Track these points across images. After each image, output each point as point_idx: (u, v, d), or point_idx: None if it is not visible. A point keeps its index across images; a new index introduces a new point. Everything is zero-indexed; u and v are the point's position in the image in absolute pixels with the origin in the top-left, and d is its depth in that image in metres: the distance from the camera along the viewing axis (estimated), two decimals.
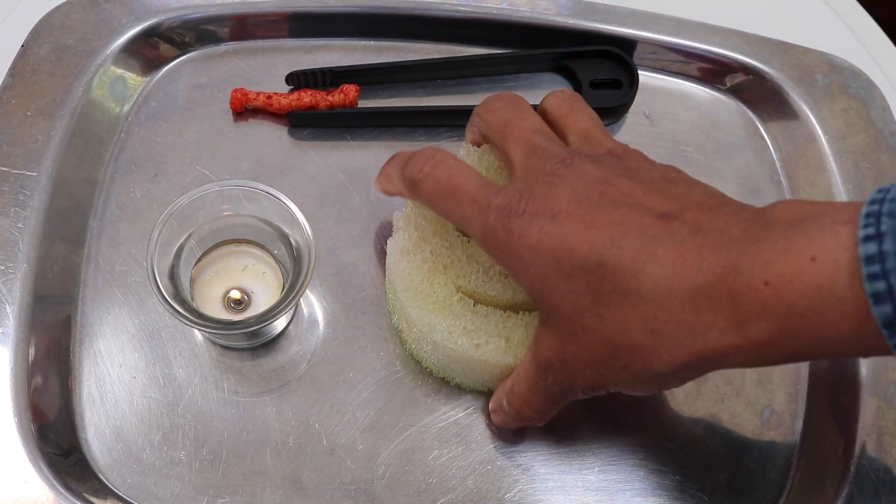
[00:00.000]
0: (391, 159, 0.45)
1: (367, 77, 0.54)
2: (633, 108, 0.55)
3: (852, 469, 0.44)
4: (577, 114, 0.42)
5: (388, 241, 0.45)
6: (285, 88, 0.54)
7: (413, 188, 0.41)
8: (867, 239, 0.29)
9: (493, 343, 0.42)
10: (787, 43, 0.56)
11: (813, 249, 0.31)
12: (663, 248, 0.34)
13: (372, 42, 0.56)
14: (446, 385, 0.47)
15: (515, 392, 0.42)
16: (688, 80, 0.57)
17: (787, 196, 0.54)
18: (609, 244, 0.35)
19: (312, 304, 0.48)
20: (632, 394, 0.38)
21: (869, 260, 0.29)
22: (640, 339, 0.34)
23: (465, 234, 0.45)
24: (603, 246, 0.35)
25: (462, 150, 0.46)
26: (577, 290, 0.35)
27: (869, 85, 0.55)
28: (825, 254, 0.30)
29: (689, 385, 0.48)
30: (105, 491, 0.43)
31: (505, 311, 0.43)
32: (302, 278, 0.43)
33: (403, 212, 0.45)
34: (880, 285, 0.29)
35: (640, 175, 0.37)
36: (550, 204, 0.36)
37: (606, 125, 0.54)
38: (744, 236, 0.33)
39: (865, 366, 0.46)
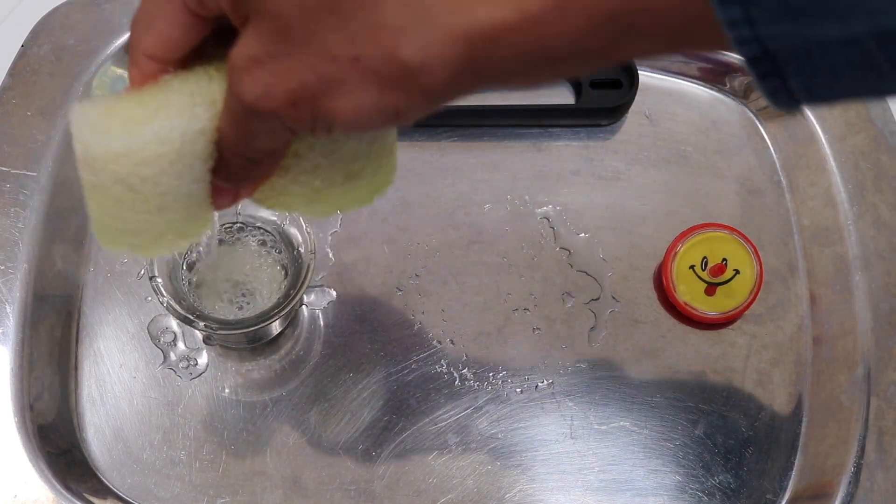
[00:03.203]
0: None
1: None
2: (633, 108, 0.55)
3: (852, 469, 0.44)
4: None
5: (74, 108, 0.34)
6: None
7: (132, 30, 0.31)
8: None
9: (199, 108, 0.32)
10: None
11: None
12: None
13: None
14: (447, 385, 0.47)
15: (220, 127, 0.31)
16: (688, 80, 0.57)
17: (787, 195, 0.54)
18: None
19: (312, 304, 0.48)
20: (356, 123, 0.28)
21: None
22: (386, 14, 0.25)
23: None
24: None
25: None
26: None
27: None
28: None
29: (689, 385, 0.48)
30: (105, 491, 0.43)
31: (192, 88, 0.32)
32: (302, 279, 0.43)
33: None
34: None
35: None
36: None
37: (606, 125, 0.54)
38: None
39: (865, 366, 0.47)
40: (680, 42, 0.26)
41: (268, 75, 0.27)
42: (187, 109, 0.32)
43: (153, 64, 0.32)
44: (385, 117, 0.27)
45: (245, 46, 0.27)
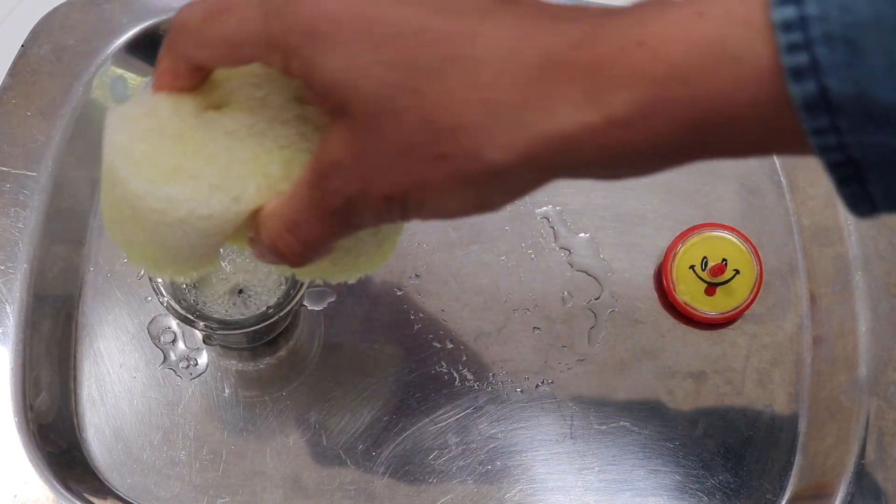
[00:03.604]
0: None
1: None
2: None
3: (852, 469, 0.44)
4: None
5: (108, 113, 0.34)
6: None
7: (180, 33, 0.31)
8: (783, 1, 0.23)
9: (251, 186, 0.32)
10: None
11: (701, 7, 0.24)
12: (506, 16, 0.27)
13: None
14: (447, 385, 0.47)
15: (278, 213, 0.31)
16: None
17: (787, 195, 0.54)
18: (434, 12, 0.27)
19: (312, 303, 0.48)
20: (440, 214, 0.29)
21: (787, 27, 0.23)
22: (470, 117, 0.26)
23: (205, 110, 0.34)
24: (426, 15, 0.27)
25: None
26: (386, 61, 0.27)
27: None
28: (717, 7, 0.24)
29: (689, 385, 0.48)
30: (105, 491, 0.43)
31: (253, 153, 0.33)
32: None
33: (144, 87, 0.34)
34: (802, 58, 0.22)
35: None
36: None
37: None
38: (608, 11, 0.26)
39: (865, 366, 0.46)
40: (762, 148, 0.26)
41: (358, 178, 0.28)
42: (240, 184, 0.32)
43: (196, 74, 0.32)
44: (468, 210, 0.28)
45: (333, 147, 0.28)
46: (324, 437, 0.45)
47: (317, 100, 0.29)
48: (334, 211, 0.29)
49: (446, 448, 0.45)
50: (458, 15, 0.27)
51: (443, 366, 0.47)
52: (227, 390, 0.46)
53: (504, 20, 0.26)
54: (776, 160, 0.55)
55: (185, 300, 0.44)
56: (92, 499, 0.42)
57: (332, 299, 0.49)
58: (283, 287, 0.45)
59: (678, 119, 0.25)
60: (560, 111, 0.25)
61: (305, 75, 0.28)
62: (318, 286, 0.49)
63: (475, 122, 0.26)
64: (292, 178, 0.32)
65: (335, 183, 0.29)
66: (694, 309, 0.49)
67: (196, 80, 0.32)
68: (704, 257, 0.49)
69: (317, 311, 0.48)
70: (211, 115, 0.33)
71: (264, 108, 0.34)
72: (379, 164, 0.27)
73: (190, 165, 0.32)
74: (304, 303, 0.48)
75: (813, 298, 0.51)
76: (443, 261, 0.50)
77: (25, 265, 0.46)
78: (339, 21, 0.27)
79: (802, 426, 0.47)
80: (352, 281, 0.36)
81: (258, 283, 0.47)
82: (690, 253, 0.49)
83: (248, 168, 0.32)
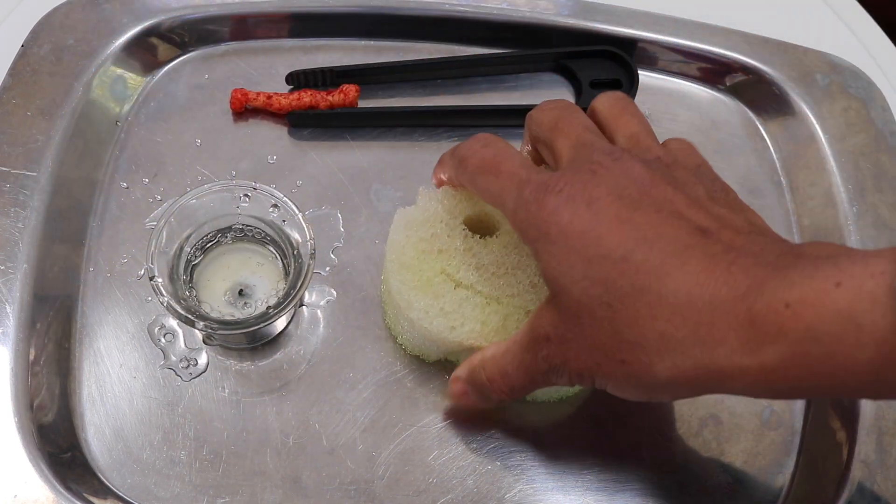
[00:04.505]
0: (448, 151, 0.45)
1: (367, 77, 0.54)
2: None
3: (852, 469, 0.44)
4: (628, 116, 0.42)
5: (398, 211, 0.45)
6: (285, 88, 0.54)
7: (460, 165, 0.41)
8: None
9: (468, 326, 0.42)
10: (787, 43, 0.56)
11: (839, 276, 0.30)
12: (693, 258, 0.33)
13: (372, 42, 0.56)
14: (447, 385, 0.47)
15: (495, 360, 0.41)
16: (688, 80, 0.57)
17: (787, 196, 0.54)
18: (639, 243, 0.34)
19: (312, 304, 0.48)
20: (616, 393, 0.37)
21: None
22: (647, 339, 0.33)
23: (472, 231, 0.45)
24: (633, 243, 0.34)
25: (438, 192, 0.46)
26: (592, 277, 0.34)
27: (869, 85, 0.55)
28: (851, 280, 0.30)
29: None
30: (105, 491, 0.43)
31: (486, 299, 0.43)
32: (301, 278, 0.43)
33: (428, 189, 0.46)
34: None
35: (685, 187, 0.37)
36: (590, 191, 0.35)
37: None
38: (775, 262, 0.32)
39: None
40: (875, 393, 0.32)
41: (560, 354, 0.37)
42: (461, 321, 0.43)
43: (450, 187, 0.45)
44: (639, 398, 0.36)
45: (545, 324, 0.37)
46: (324, 437, 0.45)
47: (545, 276, 0.37)
48: (539, 371, 0.38)
49: (446, 448, 0.45)
50: (658, 250, 0.34)
51: (443, 365, 0.47)
52: (227, 390, 0.46)
53: (692, 263, 0.33)
54: (776, 160, 0.55)
55: (185, 300, 0.44)
56: (92, 499, 0.42)
57: (333, 298, 0.49)
58: (283, 287, 0.45)
59: (811, 369, 0.31)
60: (719, 351, 0.32)
61: (536, 259, 0.37)
62: (318, 285, 0.49)
63: (652, 345, 0.33)
64: (503, 330, 0.42)
65: (542, 352, 0.37)
66: None
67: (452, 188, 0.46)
68: None
69: (317, 310, 0.48)
70: (473, 244, 0.44)
71: (521, 244, 0.44)
72: (577, 349, 0.36)
73: (435, 284, 0.43)
74: (304, 302, 0.48)
75: None
76: None
77: (25, 265, 0.46)
78: (566, 234, 0.35)
79: (802, 426, 0.47)
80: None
81: (258, 283, 0.47)
82: None
83: (475, 312, 0.43)
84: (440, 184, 0.46)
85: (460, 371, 0.43)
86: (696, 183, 0.38)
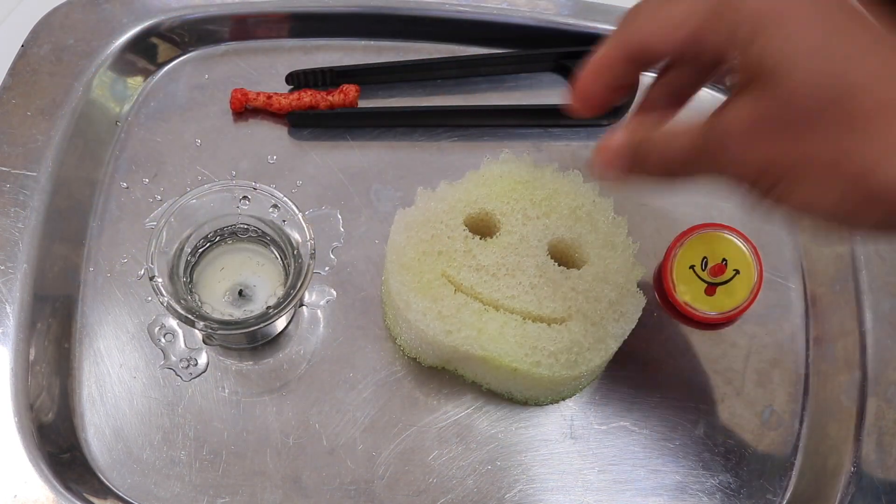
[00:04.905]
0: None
1: (367, 77, 0.54)
2: (633, 107, 0.54)
3: (852, 469, 0.44)
4: None
5: (398, 212, 0.46)
6: (285, 88, 0.54)
7: (632, 13, 0.36)
8: None
9: (464, 332, 0.42)
10: None
11: None
12: None
13: (372, 42, 0.56)
14: (447, 385, 0.47)
15: (667, 129, 0.35)
16: None
17: None
18: (871, 46, 0.30)
19: (312, 303, 0.48)
20: (804, 202, 0.31)
21: None
22: (880, 142, 0.29)
23: (472, 231, 0.45)
24: (863, 32, 0.30)
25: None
26: (828, 54, 0.30)
27: None
28: None
29: (690, 385, 0.48)
30: (105, 491, 0.43)
31: (484, 305, 0.43)
32: (301, 278, 0.43)
33: (427, 190, 0.46)
34: None
35: None
36: None
37: (606, 125, 0.54)
38: None
39: (866, 366, 0.46)
40: None
41: (757, 140, 0.31)
42: (457, 326, 0.43)
43: (626, 69, 0.37)
44: (830, 220, 0.31)
45: (738, 108, 0.32)
46: (324, 437, 0.45)
47: (742, 60, 0.32)
48: (708, 151, 0.33)
49: (446, 448, 0.45)
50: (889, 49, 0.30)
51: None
52: (227, 390, 0.46)
53: None
54: None
55: (185, 300, 0.44)
56: (92, 499, 0.42)
57: (333, 298, 0.49)
58: (283, 287, 0.45)
59: None
60: None
61: (744, 46, 0.31)
62: (318, 285, 0.49)
63: (883, 148, 0.29)
64: (499, 338, 0.42)
65: (738, 138, 0.31)
66: (694, 309, 0.49)
67: (619, 78, 0.37)
68: (704, 257, 0.49)
69: (316, 310, 0.48)
70: (473, 245, 0.44)
71: (520, 245, 0.44)
72: (776, 130, 0.30)
73: (435, 287, 0.43)
74: (304, 302, 0.48)
75: (813, 298, 0.51)
76: None
77: (25, 265, 0.46)
78: (791, 9, 0.30)
79: (802, 426, 0.47)
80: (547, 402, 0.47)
81: (258, 283, 0.47)
82: (690, 253, 0.49)
83: (472, 318, 0.42)
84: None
85: (618, 136, 0.37)
86: None
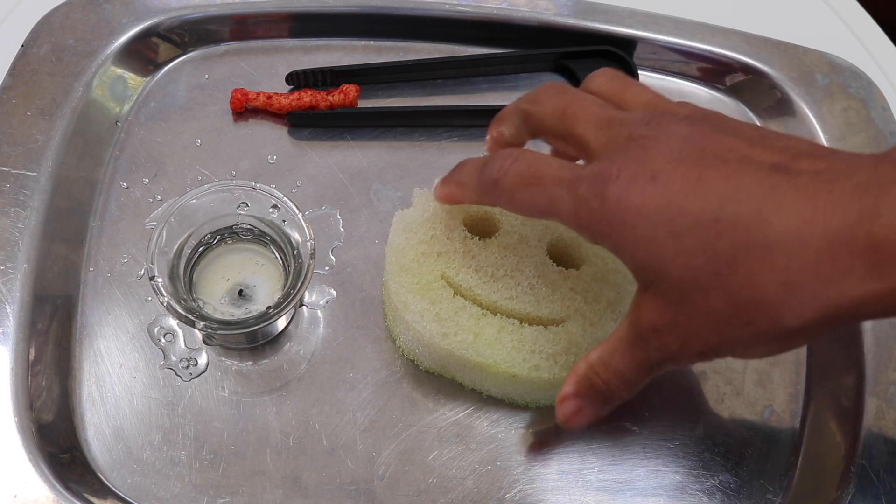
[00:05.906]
0: (459, 167, 0.42)
1: (367, 77, 0.54)
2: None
3: (852, 469, 0.44)
4: (634, 87, 0.39)
5: (397, 213, 0.45)
6: (285, 88, 0.54)
7: (494, 188, 0.38)
8: None
9: (461, 336, 0.42)
10: (787, 43, 0.56)
11: None
12: (788, 196, 0.31)
13: (372, 42, 0.56)
14: (446, 385, 0.47)
15: (604, 363, 0.38)
16: (688, 80, 0.57)
17: None
18: (724, 199, 0.32)
19: (312, 303, 0.48)
20: (745, 357, 0.35)
21: None
22: (768, 293, 0.31)
23: (471, 232, 0.45)
24: (718, 201, 0.32)
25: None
26: (687, 249, 0.32)
27: (869, 85, 0.55)
28: None
29: (690, 385, 0.48)
30: (105, 491, 0.43)
31: (482, 309, 0.43)
32: (301, 278, 0.43)
33: (424, 190, 0.46)
34: None
35: (735, 131, 0.34)
36: (648, 166, 0.33)
37: None
38: (877, 178, 0.30)
39: (865, 366, 0.46)
40: None
41: (675, 340, 0.35)
42: (454, 328, 0.43)
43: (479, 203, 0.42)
44: (767, 356, 0.35)
45: (649, 314, 0.35)
46: (324, 437, 0.45)
47: (634, 270, 0.35)
48: (654, 363, 0.36)
49: (446, 448, 0.45)
50: (746, 200, 0.31)
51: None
52: (227, 390, 0.46)
53: (788, 203, 0.31)
54: None
55: (185, 300, 0.44)
56: (92, 499, 0.42)
57: (333, 298, 0.49)
58: (283, 287, 0.45)
59: None
60: (847, 283, 0.30)
61: (615, 253, 0.35)
62: (318, 284, 0.49)
63: (775, 299, 0.31)
64: (496, 343, 0.42)
65: (654, 343, 0.35)
66: None
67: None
68: None
69: (317, 310, 0.48)
70: (472, 245, 0.44)
71: (519, 245, 0.44)
72: (693, 329, 0.34)
73: (433, 289, 0.43)
74: (304, 302, 0.48)
75: None
76: None
77: (25, 265, 0.46)
78: (643, 215, 0.33)
79: (802, 426, 0.47)
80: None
81: (258, 283, 0.47)
82: None
83: (469, 322, 0.43)
84: (454, 201, 0.43)
85: (567, 389, 0.40)
86: (740, 125, 0.35)
